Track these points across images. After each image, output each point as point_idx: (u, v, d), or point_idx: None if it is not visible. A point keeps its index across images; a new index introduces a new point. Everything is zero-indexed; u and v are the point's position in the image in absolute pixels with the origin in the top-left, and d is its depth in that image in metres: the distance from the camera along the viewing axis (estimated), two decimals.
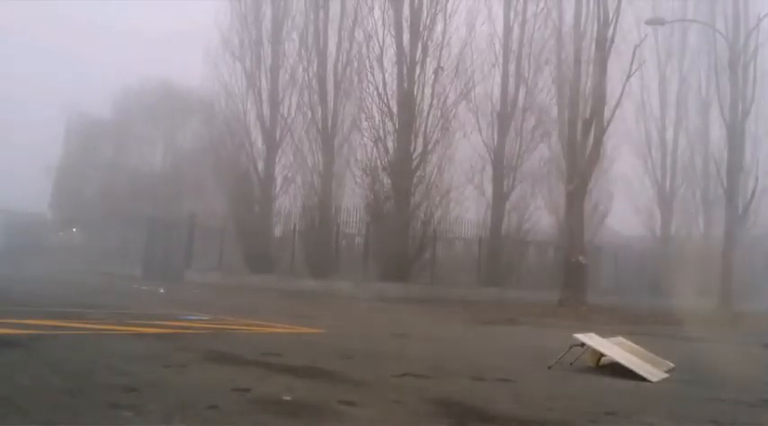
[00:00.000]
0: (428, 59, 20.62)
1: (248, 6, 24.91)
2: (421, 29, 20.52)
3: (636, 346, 6.75)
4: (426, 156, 20.47)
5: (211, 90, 25.62)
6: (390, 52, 20.66)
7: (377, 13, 21.02)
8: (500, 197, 23.07)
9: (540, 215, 25.22)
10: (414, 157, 20.30)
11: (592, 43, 18.80)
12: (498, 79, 23.23)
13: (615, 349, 6.32)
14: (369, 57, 20.84)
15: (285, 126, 24.25)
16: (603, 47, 17.70)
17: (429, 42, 20.59)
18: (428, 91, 20.57)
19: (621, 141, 28.15)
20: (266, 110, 24.46)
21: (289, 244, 22.47)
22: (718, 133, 26.88)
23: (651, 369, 6.07)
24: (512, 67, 23.30)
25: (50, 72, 60.32)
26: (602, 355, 6.26)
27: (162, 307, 11.67)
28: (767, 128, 28.11)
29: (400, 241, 19.73)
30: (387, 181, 20.46)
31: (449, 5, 20.84)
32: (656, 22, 23.19)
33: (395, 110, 20.49)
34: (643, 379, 5.74)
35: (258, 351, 6.19)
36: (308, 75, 23.29)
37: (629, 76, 18.00)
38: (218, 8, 24.90)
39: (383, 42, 20.67)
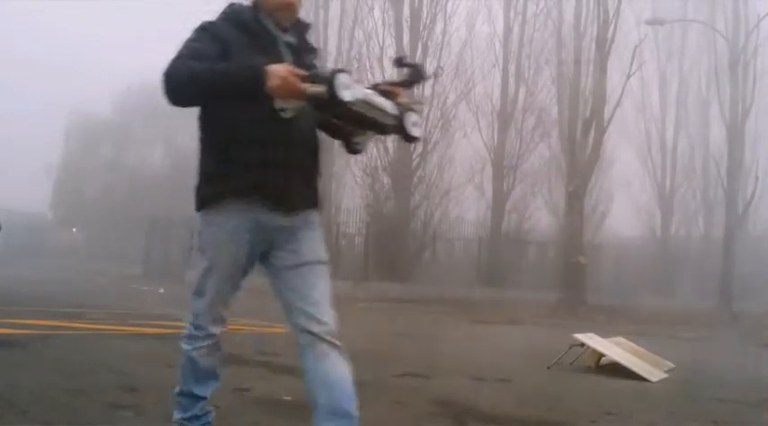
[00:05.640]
0: (428, 59, 20.61)
1: None
2: (421, 29, 20.51)
3: (636, 346, 6.75)
4: (426, 156, 20.47)
5: None
6: (390, 52, 20.67)
7: (377, 13, 21.05)
8: (500, 197, 23.05)
9: (540, 215, 25.28)
10: (414, 157, 20.29)
11: (592, 43, 18.81)
12: (498, 79, 23.24)
13: (615, 349, 6.33)
14: (369, 57, 20.88)
15: None
16: (603, 47, 17.70)
17: (429, 42, 20.60)
18: (428, 91, 20.60)
19: (621, 141, 28.19)
20: None
21: None
22: (718, 133, 26.90)
23: (651, 369, 6.07)
24: (512, 67, 23.28)
25: (50, 72, 60.26)
26: (602, 355, 6.26)
27: (162, 307, 11.66)
28: (767, 128, 28.10)
29: (400, 241, 19.72)
30: (387, 181, 20.46)
31: (449, 5, 20.88)
32: (656, 21, 23.17)
33: None
34: (643, 379, 5.74)
35: (258, 351, 6.19)
36: None
37: (629, 76, 18.04)
38: (218, 8, 24.86)
39: (383, 42, 20.71)
